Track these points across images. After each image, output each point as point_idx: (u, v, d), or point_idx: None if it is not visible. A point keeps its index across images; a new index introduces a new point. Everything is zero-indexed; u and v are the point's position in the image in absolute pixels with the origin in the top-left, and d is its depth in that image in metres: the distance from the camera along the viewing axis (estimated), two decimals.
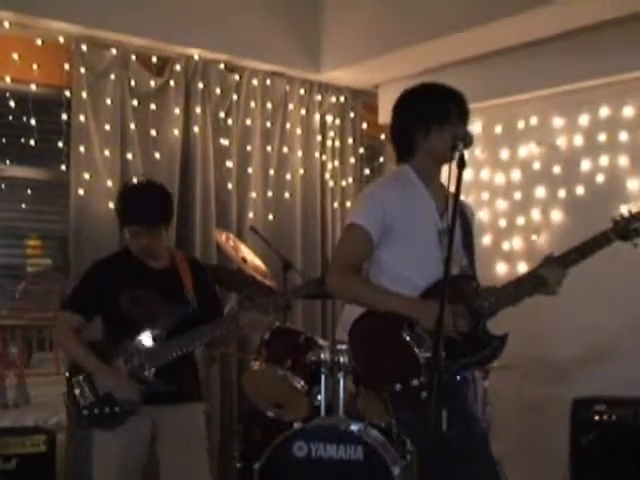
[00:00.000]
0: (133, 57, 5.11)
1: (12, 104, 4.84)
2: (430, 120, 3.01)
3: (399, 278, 2.92)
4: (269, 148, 5.72)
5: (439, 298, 2.59)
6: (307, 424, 4.20)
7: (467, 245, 3.13)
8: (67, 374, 3.67)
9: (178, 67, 5.27)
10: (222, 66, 5.46)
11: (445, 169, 2.83)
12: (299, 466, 4.04)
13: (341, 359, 4.34)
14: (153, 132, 5.19)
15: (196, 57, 5.32)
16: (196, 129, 5.32)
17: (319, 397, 4.34)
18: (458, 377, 2.97)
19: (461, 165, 2.65)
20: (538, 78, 5.10)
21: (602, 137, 5.13)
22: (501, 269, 5.56)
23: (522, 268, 5.22)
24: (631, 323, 4.83)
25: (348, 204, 6.07)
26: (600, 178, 5.13)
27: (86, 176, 4.92)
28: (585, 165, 5.20)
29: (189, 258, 3.97)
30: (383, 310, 2.94)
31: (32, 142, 4.89)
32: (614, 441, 4.49)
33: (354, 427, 4.08)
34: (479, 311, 2.91)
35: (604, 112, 5.12)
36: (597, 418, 4.56)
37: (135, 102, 5.13)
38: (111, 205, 4.86)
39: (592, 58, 4.86)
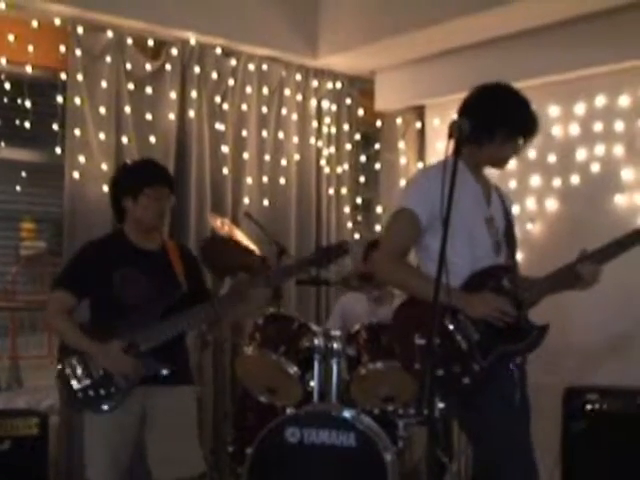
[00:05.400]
0: (129, 40, 5.09)
1: (7, 86, 4.83)
2: (498, 129, 3.06)
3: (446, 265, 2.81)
4: (265, 133, 5.70)
5: (482, 289, 2.84)
6: (300, 410, 4.21)
7: (509, 234, 3.18)
8: (58, 357, 3.64)
9: (174, 51, 5.24)
10: (219, 50, 5.43)
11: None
12: (291, 451, 4.05)
13: (334, 345, 4.36)
14: (149, 116, 5.18)
15: (192, 41, 5.29)
16: (192, 113, 5.30)
17: (312, 383, 4.34)
18: (511, 366, 3.04)
19: (457, 152, 2.64)
20: (534, 66, 5.08)
21: (598, 126, 5.11)
22: None
23: (517, 257, 5.19)
24: (621, 312, 4.83)
25: (343, 190, 6.06)
26: (595, 167, 5.11)
27: (81, 159, 4.90)
28: (580, 154, 5.18)
29: (179, 245, 3.95)
30: (428, 298, 2.95)
31: (27, 124, 4.88)
32: (605, 430, 4.50)
33: (347, 413, 4.09)
34: (522, 302, 2.99)
35: (600, 101, 5.10)
36: (589, 407, 4.58)
37: (131, 85, 5.11)
38: (105, 188, 4.85)
39: (588, 47, 4.85)
